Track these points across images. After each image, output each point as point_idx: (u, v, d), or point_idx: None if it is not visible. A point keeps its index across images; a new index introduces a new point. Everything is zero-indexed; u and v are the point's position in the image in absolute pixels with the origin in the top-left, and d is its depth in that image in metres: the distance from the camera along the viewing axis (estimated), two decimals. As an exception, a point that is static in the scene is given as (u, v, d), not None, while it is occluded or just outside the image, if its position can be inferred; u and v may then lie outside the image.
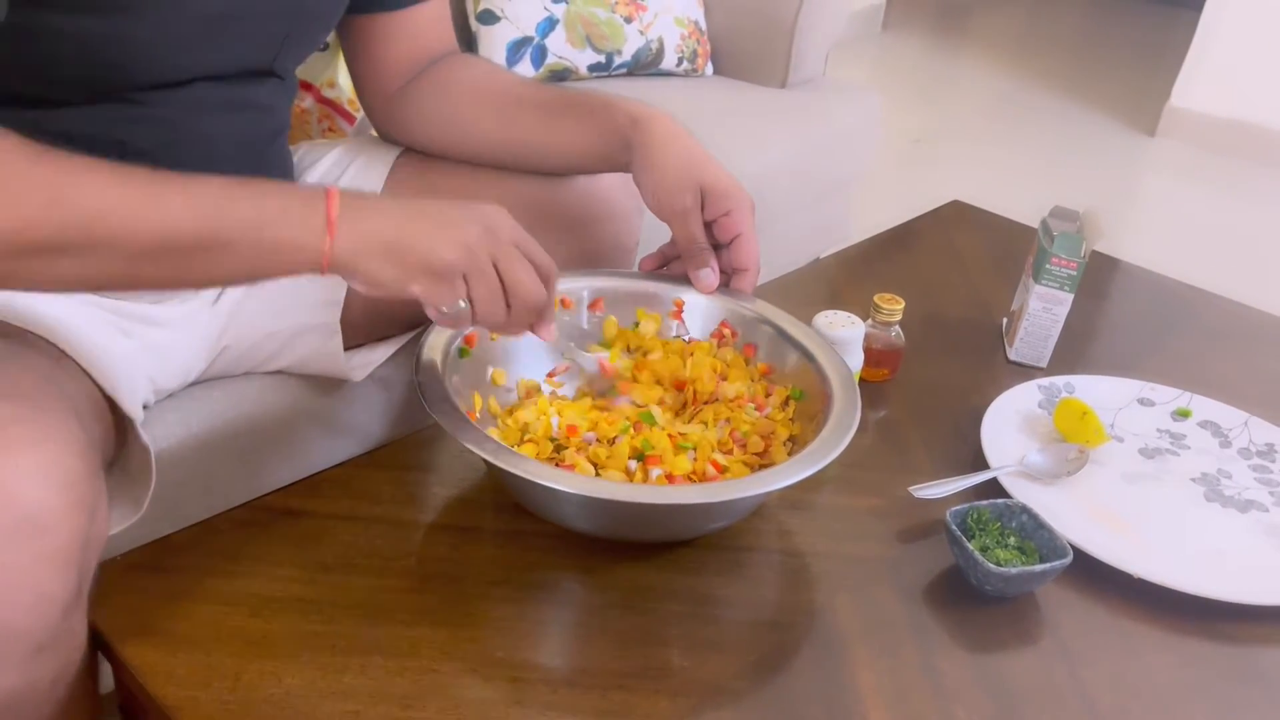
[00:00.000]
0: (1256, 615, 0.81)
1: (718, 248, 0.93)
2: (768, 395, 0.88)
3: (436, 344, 0.83)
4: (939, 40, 4.55)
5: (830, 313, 0.95)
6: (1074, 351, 1.11)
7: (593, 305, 0.93)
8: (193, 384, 1.01)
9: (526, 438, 0.83)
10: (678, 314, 0.93)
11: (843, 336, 0.92)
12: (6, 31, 0.70)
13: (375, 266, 0.70)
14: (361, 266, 0.70)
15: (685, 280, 0.93)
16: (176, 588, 0.73)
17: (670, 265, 0.97)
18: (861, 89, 2.07)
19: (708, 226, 0.92)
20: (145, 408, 0.95)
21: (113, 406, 0.80)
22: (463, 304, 0.73)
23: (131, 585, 0.73)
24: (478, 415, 0.84)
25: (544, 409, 0.85)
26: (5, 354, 0.71)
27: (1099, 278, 1.28)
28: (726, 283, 0.93)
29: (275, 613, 0.72)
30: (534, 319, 0.78)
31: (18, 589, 0.58)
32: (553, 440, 0.82)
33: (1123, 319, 1.23)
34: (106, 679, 0.77)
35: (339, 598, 0.74)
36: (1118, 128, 3.54)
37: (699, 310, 0.93)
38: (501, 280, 0.74)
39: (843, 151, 2.00)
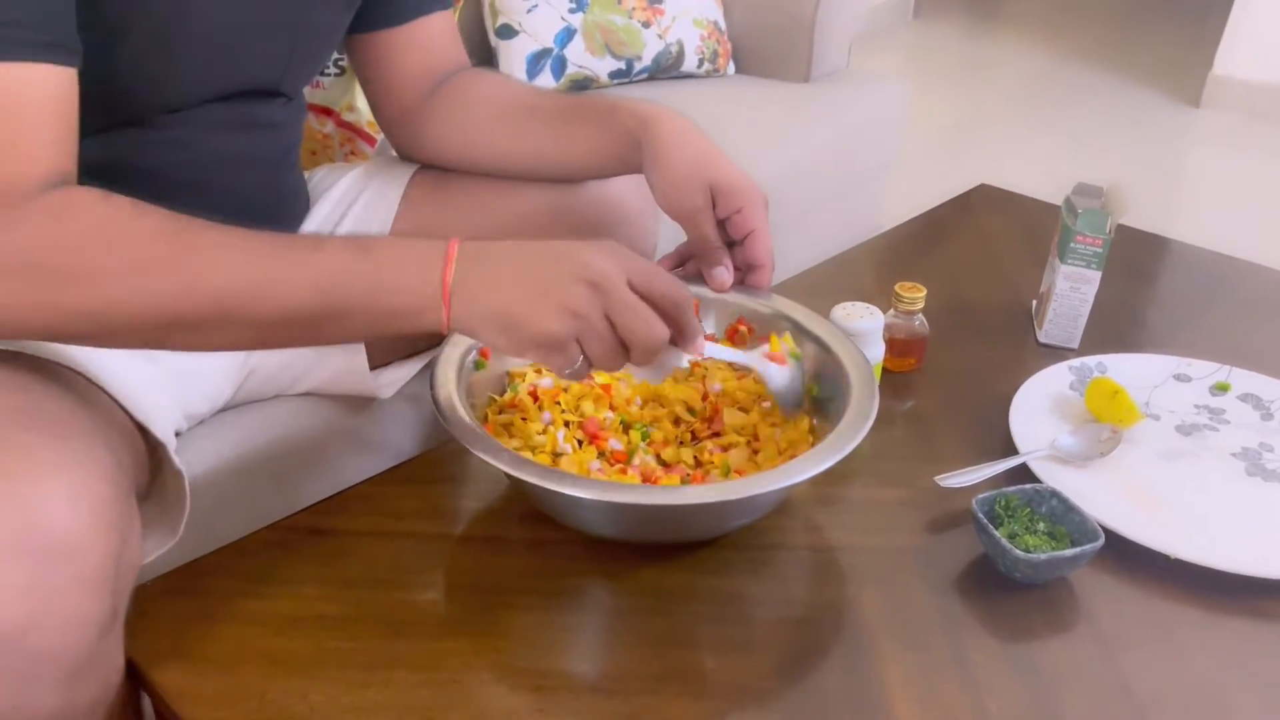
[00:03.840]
0: (1302, 592, 0.78)
1: (732, 245, 0.92)
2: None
3: (452, 356, 0.83)
4: (973, 24, 4.49)
5: (848, 304, 0.93)
6: (1107, 331, 1.09)
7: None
8: (223, 409, 1.03)
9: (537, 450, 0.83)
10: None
11: (861, 328, 0.91)
12: None
13: (489, 337, 0.71)
14: (479, 335, 0.71)
15: (701, 280, 0.92)
16: (204, 610, 0.74)
17: (686, 265, 0.96)
18: (886, 78, 2.05)
19: (721, 224, 0.91)
20: (178, 434, 0.96)
21: (145, 434, 0.81)
22: (580, 362, 0.72)
23: (161, 609, 0.74)
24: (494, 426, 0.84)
25: (543, 418, 0.85)
26: (33, 385, 0.72)
27: (1130, 253, 1.25)
28: (742, 280, 0.92)
29: (300, 631, 0.73)
30: (658, 352, 0.73)
31: (53, 613, 0.59)
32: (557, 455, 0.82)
33: (1157, 294, 1.20)
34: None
35: (363, 613, 0.74)
36: (1161, 100, 3.46)
37: (714, 309, 0.93)
38: (617, 330, 0.71)
39: (870, 142, 1.98)
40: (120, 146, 0.83)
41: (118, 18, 0.76)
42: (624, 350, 0.72)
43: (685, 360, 0.76)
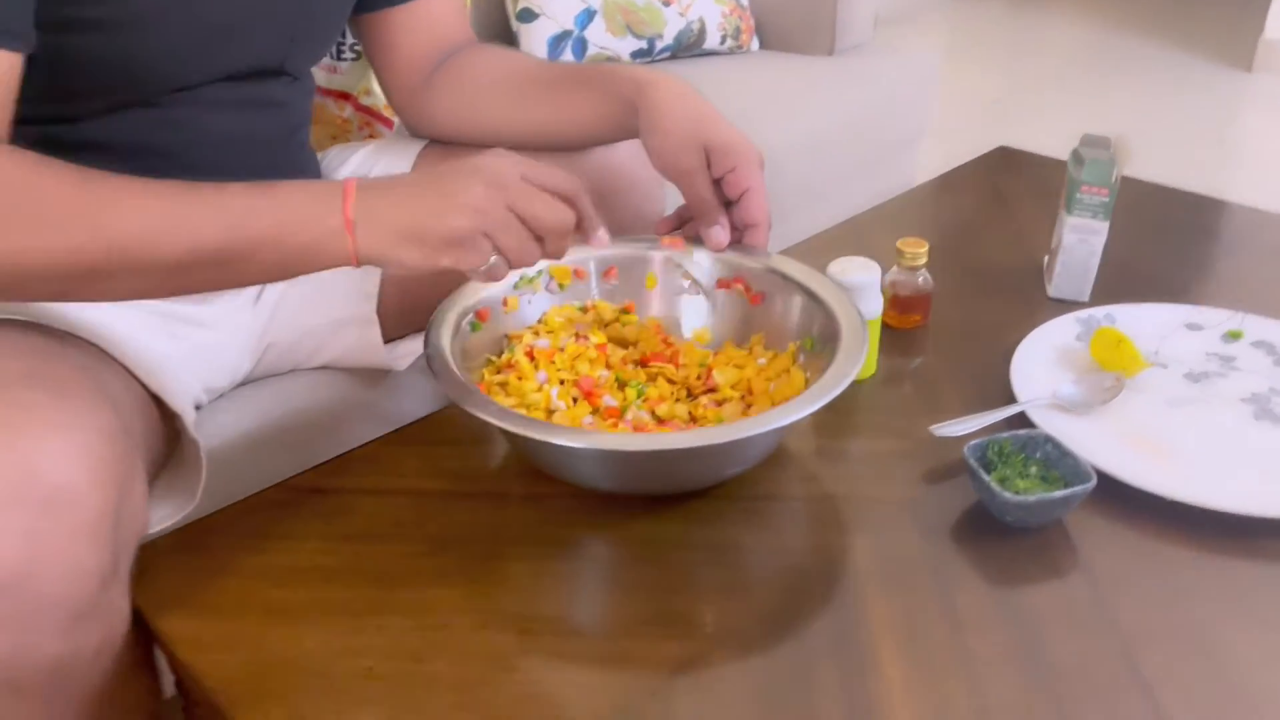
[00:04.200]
0: (1305, 530, 0.77)
1: (730, 205, 0.93)
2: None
3: (448, 318, 0.85)
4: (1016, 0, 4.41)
5: (845, 259, 0.93)
6: (1119, 283, 1.07)
7: (606, 274, 0.95)
8: (242, 383, 1.06)
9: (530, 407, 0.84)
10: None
11: (857, 281, 0.91)
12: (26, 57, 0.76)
13: (402, 253, 0.73)
14: (389, 255, 0.73)
15: (698, 240, 0.93)
16: (208, 565, 0.77)
17: (685, 226, 0.97)
18: (912, 51, 2.03)
19: (717, 184, 0.92)
20: (198, 408, 1.00)
21: (164, 408, 0.85)
22: (494, 259, 0.75)
23: (167, 564, 0.77)
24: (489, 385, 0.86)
25: (532, 373, 0.87)
26: (45, 350, 0.75)
27: (1143, 205, 1.23)
28: (739, 239, 0.93)
29: (299, 582, 0.75)
30: (568, 240, 0.78)
31: (51, 560, 0.62)
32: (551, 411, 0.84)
33: (1169, 246, 1.18)
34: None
35: (359, 566, 0.77)
36: (1213, 66, 3.38)
37: (711, 267, 0.93)
38: (525, 221, 0.75)
39: (899, 113, 1.97)
40: (126, 128, 0.86)
41: (123, 3, 0.79)
42: (536, 241, 0.75)
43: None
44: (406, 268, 0.74)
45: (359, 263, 0.73)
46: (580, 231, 0.80)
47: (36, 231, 0.67)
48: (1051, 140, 1.58)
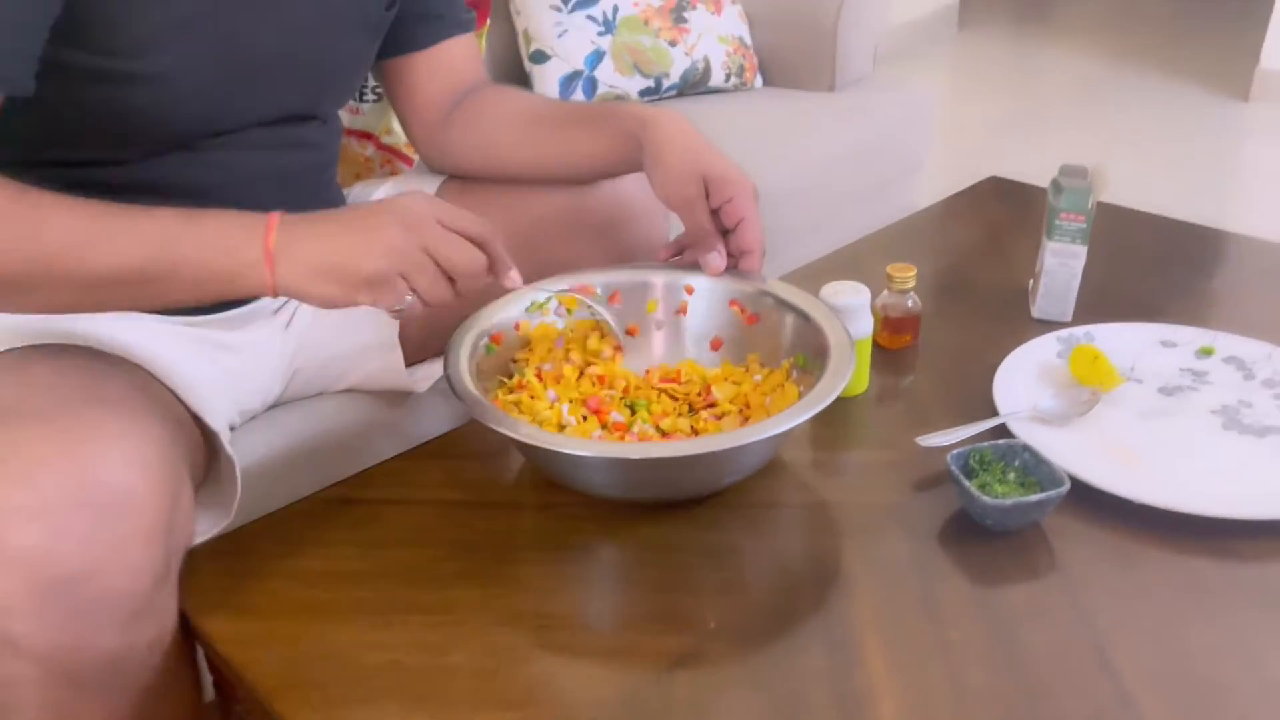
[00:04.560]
0: (1268, 530, 0.82)
1: (727, 234, 0.99)
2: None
3: (464, 342, 0.92)
4: (1019, 31, 4.50)
5: (837, 283, 1.00)
6: (1100, 304, 1.13)
7: (611, 298, 1.01)
8: (273, 406, 1.12)
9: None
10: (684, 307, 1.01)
11: (847, 304, 0.97)
12: (66, 108, 0.83)
13: (319, 289, 0.78)
14: (306, 290, 0.78)
15: (697, 266, 1.00)
16: (246, 569, 0.83)
17: (684, 253, 1.04)
18: (911, 85, 2.11)
19: (716, 214, 0.98)
20: (233, 429, 1.06)
21: (201, 425, 0.91)
22: (409, 298, 0.80)
23: (210, 569, 0.83)
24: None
25: (543, 393, 0.93)
26: (100, 371, 0.82)
27: (1123, 230, 1.30)
28: (735, 265, 0.99)
29: (330, 585, 0.81)
30: (481, 281, 0.83)
31: (112, 559, 0.68)
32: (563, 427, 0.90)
33: (1149, 268, 1.24)
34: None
35: (386, 569, 0.83)
36: (1210, 97, 3.45)
37: (709, 291, 1.00)
38: (438, 262, 0.80)
39: (898, 145, 2.04)
40: (171, 169, 0.93)
41: (170, 62, 0.85)
42: (448, 281, 0.79)
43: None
44: (324, 303, 0.78)
45: (277, 294, 0.78)
46: (493, 273, 0.85)
47: None
48: (1053, 169, 1.64)
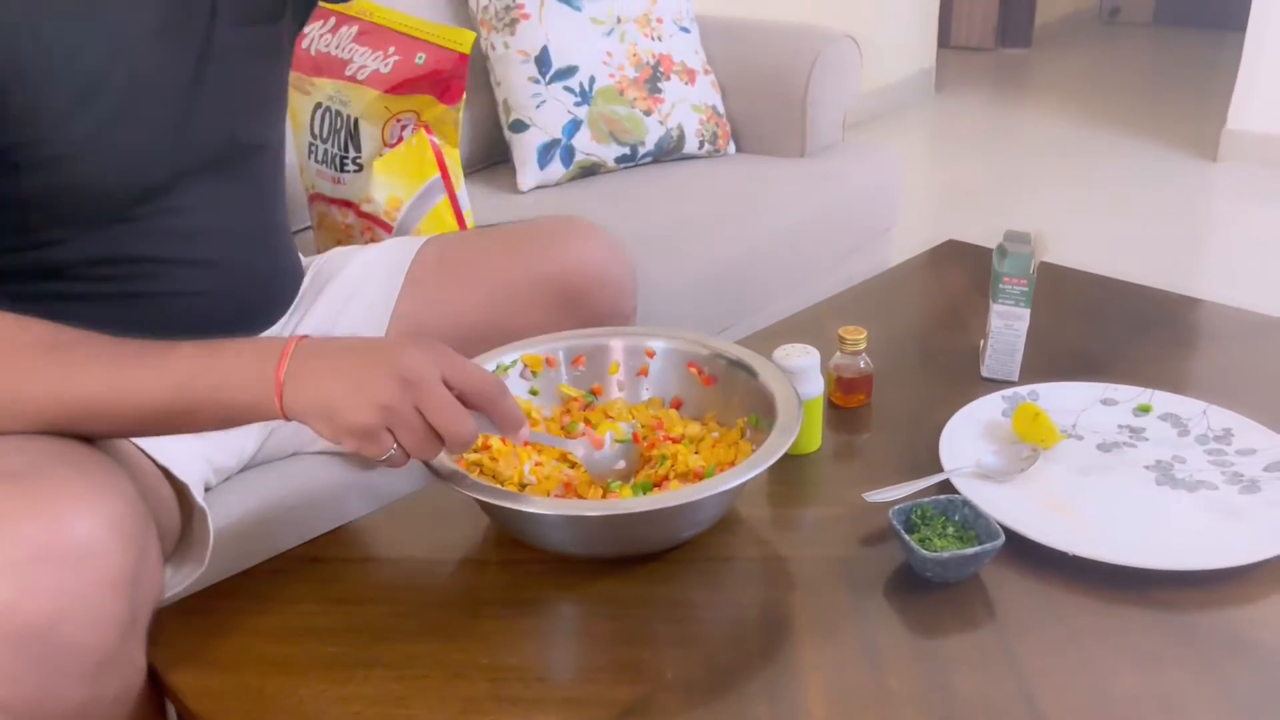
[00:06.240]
0: (1192, 581, 0.86)
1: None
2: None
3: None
4: (996, 94, 4.62)
5: (789, 346, 1.04)
6: (1047, 363, 1.18)
7: (574, 361, 1.06)
8: (248, 467, 1.16)
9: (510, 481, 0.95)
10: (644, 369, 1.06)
11: (797, 365, 1.01)
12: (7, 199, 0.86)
13: (316, 425, 0.80)
14: (308, 421, 0.80)
15: (657, 333, 1.05)
16: (216, 625, 0.86)
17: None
18: (880, 149, 2.18)
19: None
20: (208, 488, 1.10)
21: (173, 483, 0.95)
22: (394, 449, 0.80)
23: (180, 625, 0.86)
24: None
25: (518, 454, 0.96)
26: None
27: (1072, 290, 1.35)
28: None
29: (295, 640, 0.85)
30: (468, 443, 0.80)
31: (78, 610, 0.71)
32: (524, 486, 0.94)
33: (1093, 328, 1.29)
34: None
35: (350, 625, 0.86)
36: (1180, 157, 3.54)
37: (667, 354, 1.05)
38: (429, 422, 0.78)
39: (869, 207, 2.10)
40: (113, 242, 0.96)
41: (56, 140, 0.88)
42: (437, 439, 0.79)
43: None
44: (320, 436, 0.80)
45: (289, 419, 0.80)
46: (500, 431, 0.83)
47: (6, 390, 0.77)
48: (1025, 229, 1.70)
